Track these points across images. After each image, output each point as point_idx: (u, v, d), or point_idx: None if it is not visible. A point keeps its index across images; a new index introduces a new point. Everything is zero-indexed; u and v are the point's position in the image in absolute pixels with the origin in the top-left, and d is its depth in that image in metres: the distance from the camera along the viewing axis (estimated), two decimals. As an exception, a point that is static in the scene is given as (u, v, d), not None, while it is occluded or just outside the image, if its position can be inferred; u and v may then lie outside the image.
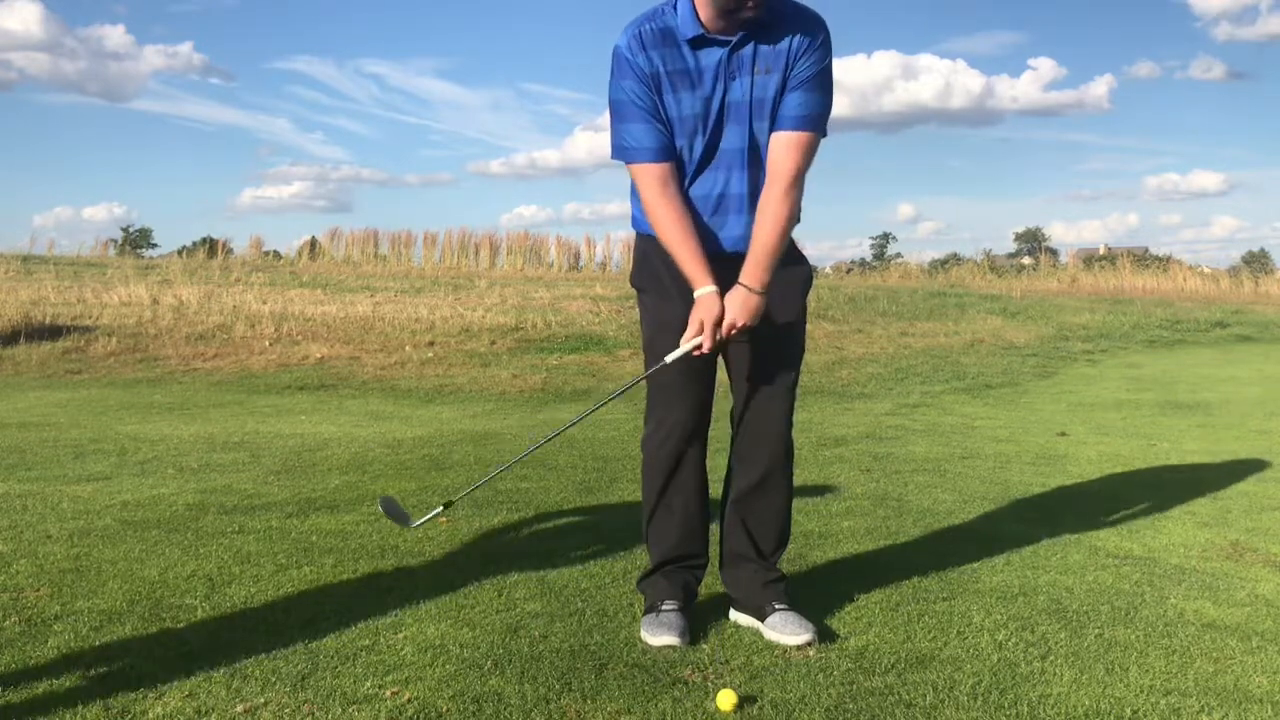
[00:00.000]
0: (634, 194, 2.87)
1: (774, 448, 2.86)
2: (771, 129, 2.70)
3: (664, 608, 2.79)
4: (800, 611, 2.79)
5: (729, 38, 2.64)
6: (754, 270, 2.69)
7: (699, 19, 2.64)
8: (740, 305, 2.68)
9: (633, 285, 2.95)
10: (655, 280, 2.84)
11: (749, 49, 2.66)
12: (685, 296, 2.74)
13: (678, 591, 2.84)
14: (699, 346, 2.69)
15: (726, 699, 2.30)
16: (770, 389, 2.84)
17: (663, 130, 2.69)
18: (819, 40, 2.69)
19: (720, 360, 2.87)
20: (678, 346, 2.76)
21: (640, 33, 2.68)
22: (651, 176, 2.70)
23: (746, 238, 2.73)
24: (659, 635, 2.70)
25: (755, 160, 2.73)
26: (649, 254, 2.86)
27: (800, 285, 2.89)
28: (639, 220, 2.88)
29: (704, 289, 2.67)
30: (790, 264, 2.83)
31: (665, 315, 2.82)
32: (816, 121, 2.71)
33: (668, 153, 2.70)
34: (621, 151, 2.75)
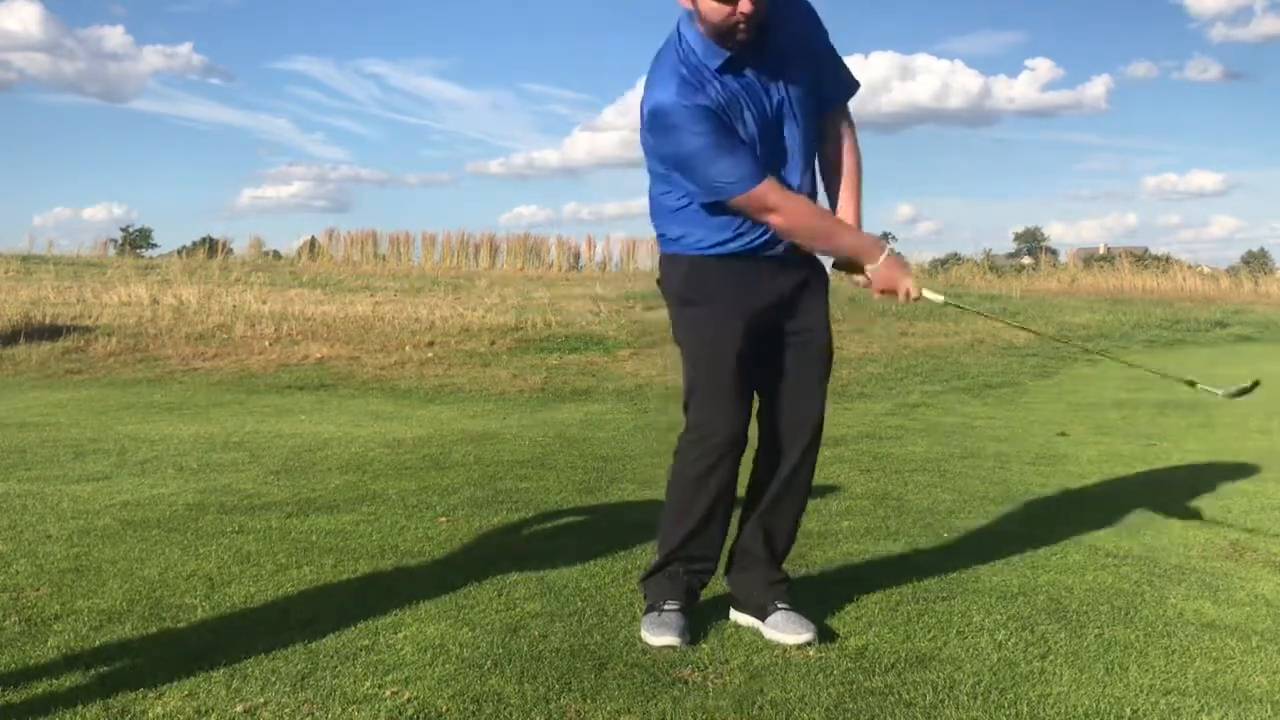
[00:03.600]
0: (669, 217, 2.80)
1: (810, 455, 2.88)
2: (808, 121, 2.74)
3: (665, 608, 2.78)
4: (801, 611, 2.79)
5: (746, 53, 2.63)
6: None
7: (716, 45, 2.62)
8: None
9: (678, 296, 2.84)
10: (707, 295, 2.78)
11: (768, 54, 2.67)
12: (743, 310, 2.73)
13: (680, 593, 2.82)
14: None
15: None
16: (810, 395, 2.85)
17: (752, 151, 2.64)
18: (812, 13, 2.79)
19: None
20: (729, 363, 2.74)
21: (681, 79, 2.62)
22: (772, 193, 2.63)
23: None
24: (659, 635, 2.70)
25: (807, 154, 2.77)
26: (704, 271, 2.78)
27: (827, 284, 2.93)
28: (686, 241, 2.79)
29: (888, 253, 2.74)
30: (817, 263, 2.86)
31: (717, 330, 2.76)
32: (853, 81, 2.87)
33: (765, 168, 2.65)
34: (725, 190, 2.63)
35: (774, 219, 2.66)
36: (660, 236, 2.87)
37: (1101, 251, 34.74)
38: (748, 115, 2.66)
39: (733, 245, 2.75)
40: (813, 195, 2.80)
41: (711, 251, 2.76)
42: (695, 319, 2.83)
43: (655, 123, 2.64)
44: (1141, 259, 27.74)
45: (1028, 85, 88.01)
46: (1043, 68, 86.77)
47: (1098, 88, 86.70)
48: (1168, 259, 27.91)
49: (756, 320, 2.76)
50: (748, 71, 2.66)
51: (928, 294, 2.80)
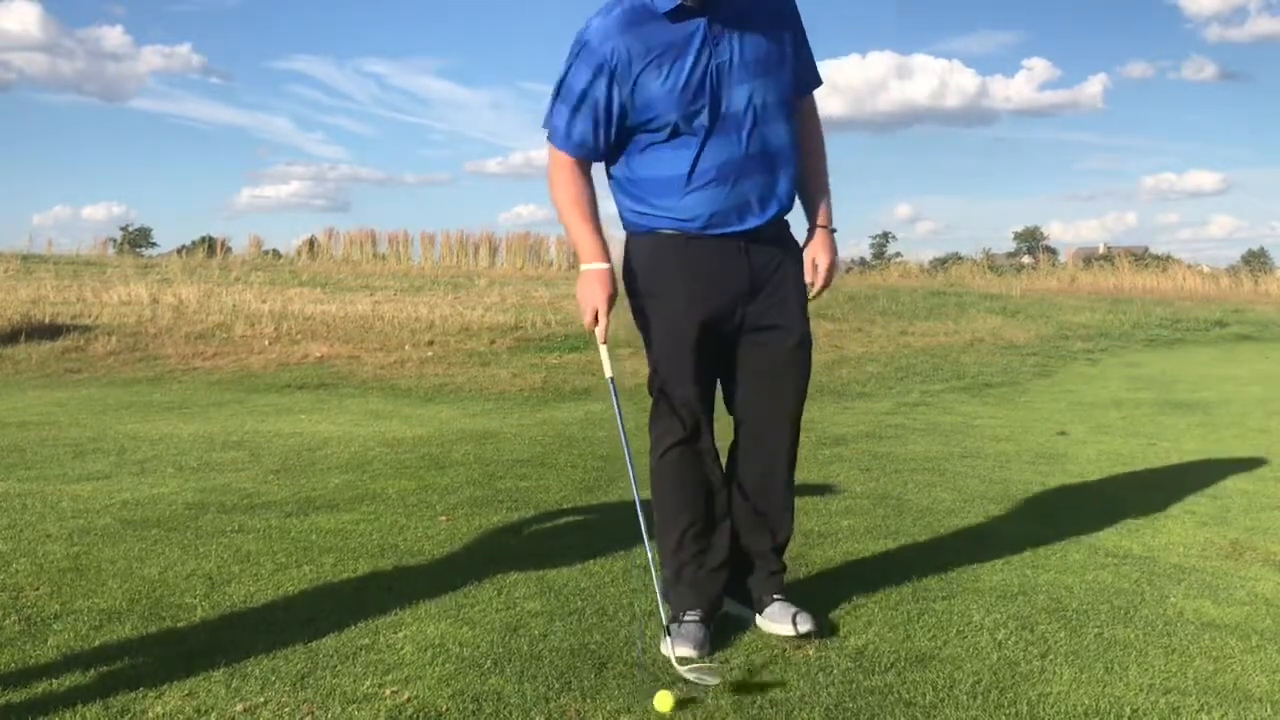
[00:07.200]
0: (626, 193, 2.78)
1: (790, 450, 2.86)
2: (778, 85, 2.71)
3: (685, 619, 2.73)
4: (795, 603, 2.78)
5: (700, 6, 2.61)
6: (828, 210, 2.86)
7: None
8: (827, 244, 2.83)
9: (635, 289, 2.80)
10: (663, 287, 2.74)
11: (732, 12, 2.65)
12: (700, 308, 2.70)
13: (701, 601, 2.75)
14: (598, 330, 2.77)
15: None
16: (781, 394, 2.81)
17: (592, 131, 2.70)
18: (792, 3, 2.83)
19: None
20: (687, 358, 2.73)
21: (611, 18, 2.65)
22: (562, 162, 2.76)
23: (766, 199, 2.71)
24: (677, 647, 2.63)
25: (764, 119, 2.69)
26: (663, 254, 2.74)
27: (800, 274, 2.85)
28: (637, 221, 2.77)
29: (597, 264, 2.73)
30: (791, 248, 2.83)
31: (673, 324, 2.74)
32: (819, 78, 2.92)
33: (587, 152, 2.74)
34: (550, 126, 2.77)
35: (550, 179, 2.79)
36: (623, 217, 2.83)
37: (1101, 251, 34.74)
38: (671, 68, 2.62)
39: (692, 225, 2.69)
40: (767, 162, 2.71)
41: (673, 226, 2.71)
42: (647, 312, 2.80)
43: (575, 43, 2.70)
44: (1141, 258, 27.75)
45: (1025, 85, 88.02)
46: (1039, 67, 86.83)
47: (1094, 87, 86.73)
48: (1167, 258, 27.94)
49: (716, 316, 2.72)
50: (698, 24, 2.62)
51: (601, 344, 2.79)
